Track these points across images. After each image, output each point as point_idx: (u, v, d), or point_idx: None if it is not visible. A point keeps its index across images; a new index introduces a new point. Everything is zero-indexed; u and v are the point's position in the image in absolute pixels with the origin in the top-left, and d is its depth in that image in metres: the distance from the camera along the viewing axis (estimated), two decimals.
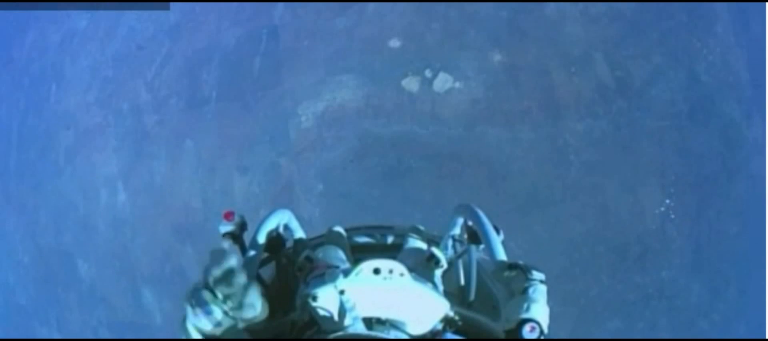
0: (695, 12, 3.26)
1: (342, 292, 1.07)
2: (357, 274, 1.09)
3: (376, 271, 1.10)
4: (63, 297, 4.57)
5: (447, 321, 1.15)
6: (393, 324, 1.09)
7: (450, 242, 1.64)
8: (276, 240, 1.45)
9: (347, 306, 1.04)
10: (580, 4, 3.32)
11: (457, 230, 1.65)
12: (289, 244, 1.55)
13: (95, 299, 4.36)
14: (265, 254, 1.44)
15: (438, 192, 3.29)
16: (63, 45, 4.88)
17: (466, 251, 1.43)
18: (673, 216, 3.12)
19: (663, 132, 3.16)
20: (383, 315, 1.09)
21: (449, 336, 1.08)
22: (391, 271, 1.10)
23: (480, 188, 3.24)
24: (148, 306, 4.07)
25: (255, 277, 1.28)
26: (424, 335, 1.11)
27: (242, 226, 1.41)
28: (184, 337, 0.99)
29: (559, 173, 3.20)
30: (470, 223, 1.45)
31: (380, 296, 1.08)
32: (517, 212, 3.17)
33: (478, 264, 1.41)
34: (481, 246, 1.40)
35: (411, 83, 3.45)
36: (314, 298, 1.04)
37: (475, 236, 1.41)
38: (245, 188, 3.74)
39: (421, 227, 1.74)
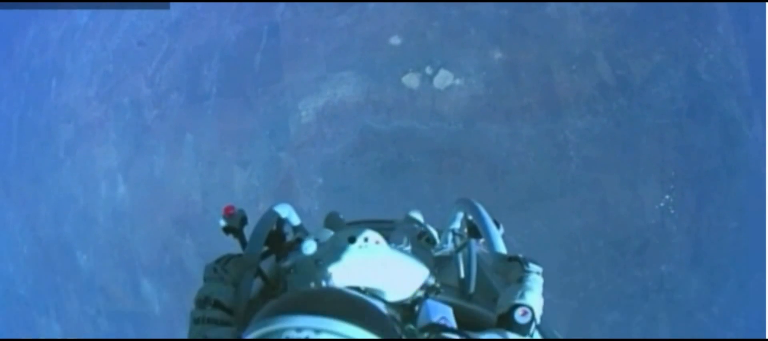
0: (696, 11, 3.26)
1: (318, 262, 1.09)
2: (333, 243, 1.10)
3: (351, 239, 1.11)
4: (62, 288, 4.58)
5: (427, 288, 1.16)
6: (371, 293, 1.10)
7: (450, 236, 1.64)
8: (276, 235, 1.45)
9: (324, 275, 1.05)
10: (581, 3, 3.33)
11: (457, 225, 1.65)
12: (289, 238, 1.56)
13: (94, 290, 4.37)
14: (266, 249, 1.44)
15: (438, 187, 3.29)
16: (64, 40, 4.89)
17: (466, 245, 1.43)
18: (672, 211, 3.12)
19: (663, 129, 3.16)
20: (361, 285, 1.09)
21: (430, 302, 1.08)
22: (366, 239, 1.11)
23: (480, 183, 3.24)
24: (146, 297, 4.08)
25: (256, 272, 1.29)
26: (405, 301, 1.12)
27: (242, 221, 1.41)
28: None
29: (559, 169, 3.20)
30: (470, 217, 1.45)
31: (356, 265, 1.09)
32: (517, 206, 3.18)
33: (478, 257, 1.42)
34: (481, 240, 1.40)
35: (411, 80, 3.45)
36: (290, 270, 1.06)
37: (475, 230, 1.41)
38: (245, 182, 3.74)
39: (420, 219, 1.75)
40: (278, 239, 1.46)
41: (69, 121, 4.63)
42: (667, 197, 3.12)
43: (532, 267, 1.13)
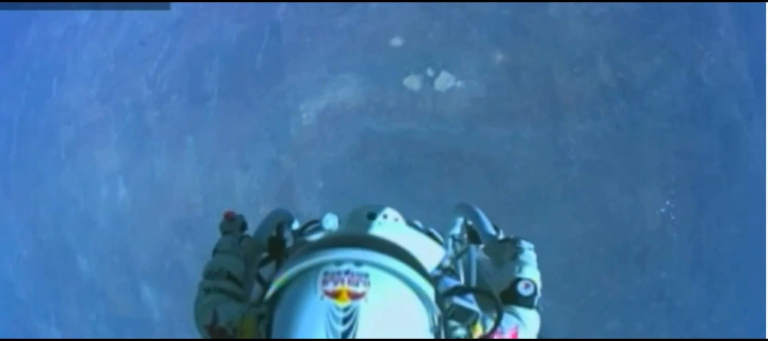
0: (698, 14, 3.25)
1: None
2: (352, 219, 1.10)
3: (371, 216, 1.11)
4: (62, 292, 4.57)
5: (444, 270, 1.17)
6: None
7: (450, 242, 1.64)
8: (276, 241, 1.45)
9: None
10: (583, 5, 3.31)
11: (456, 230, 1.65)
12: (289, 245, 1.56)
13: (94, 294, 4.36)
14: (265, 254, 1.44)
15: (438, 191, 3.28)
16: (65, 40, 4.88)
17: (466, 251, 1.44)
18: (673, 217, 3.11)
19: (664, 133, 3.15)
20: None
21: (448, 280, 1.09)
22: (385, 216, 1.12)
23: (480, 187, 3.24)
24: (147, 302, 4.06)
25: (255, 277, 1.29)
26: None
27: (242, 226, 1.41)
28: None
29: (559, 173, 3.19)
30: (470, 222, 1.46)
31: None
32: (518, 211, 3.17)
33: (478, 263, 1.42)
34: (481, 246, 1.40)
35: (413, 82, 3.45)
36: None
37: (474, 235, 1.42)
38: (246, 185, 3.74)
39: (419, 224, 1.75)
40: (278, 245, 1.46)
41: (70, 122, 4.62)
42: (667, 202, 3.11)
43: (524, 243, 1.16)
